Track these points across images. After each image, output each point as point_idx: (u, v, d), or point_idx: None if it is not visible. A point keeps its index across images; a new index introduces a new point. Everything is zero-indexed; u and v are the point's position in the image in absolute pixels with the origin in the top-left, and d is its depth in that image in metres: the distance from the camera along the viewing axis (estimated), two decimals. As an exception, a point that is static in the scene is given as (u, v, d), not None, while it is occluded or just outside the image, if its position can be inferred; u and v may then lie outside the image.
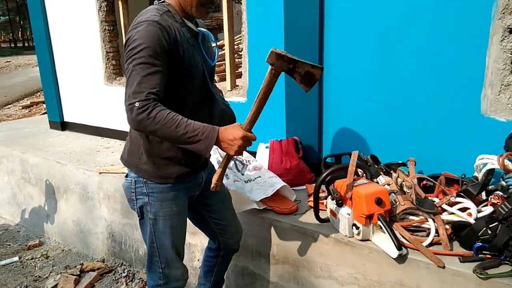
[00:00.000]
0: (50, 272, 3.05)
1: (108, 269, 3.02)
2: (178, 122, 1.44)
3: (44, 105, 5.86)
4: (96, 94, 4.04)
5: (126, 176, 1.77)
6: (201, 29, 1.69)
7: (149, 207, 1.70)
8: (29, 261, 3.23)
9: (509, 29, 1.99)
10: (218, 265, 2.09)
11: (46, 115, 4.72)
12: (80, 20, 3.95)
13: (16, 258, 3.24)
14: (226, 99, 1.94)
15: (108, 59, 3.89)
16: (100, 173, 3.03)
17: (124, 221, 2.93)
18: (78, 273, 2.94)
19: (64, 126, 4.44)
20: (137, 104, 1.44)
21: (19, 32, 33.38)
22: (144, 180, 1.69)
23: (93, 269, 3.00)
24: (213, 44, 1.80)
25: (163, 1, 1.62)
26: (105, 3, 3.74)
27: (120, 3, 3.67)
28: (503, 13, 1.97)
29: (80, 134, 4.23)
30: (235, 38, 3.76)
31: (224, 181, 2.22)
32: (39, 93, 9.21)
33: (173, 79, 1.54)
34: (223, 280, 2.21)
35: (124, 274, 2.94)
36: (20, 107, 8.36)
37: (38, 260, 3.24)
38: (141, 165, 1.68)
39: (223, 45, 3.40)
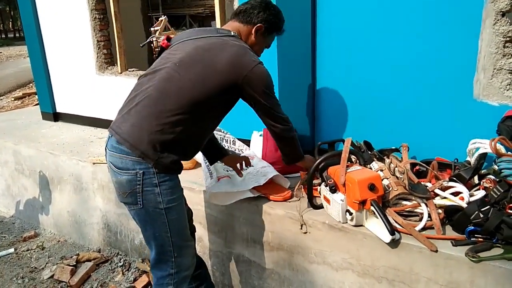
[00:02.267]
0: (46, 263, 3.05)
1: (104, 259, 3.03)
2: (297, 145, 2.07)
3: (36, 96, 5.81)
4: (88, 84, 4.00)
5: (122, 169, 1.72)
6: None
7: (161, 197, 1.72)
8: (24, 252, 3.23)
9: (501, 13, 1.98)
10: None
11: (39, 106, 4.68)
12: (70, 9, 3.89)
13: (12, 250, 3.24)
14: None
15: (99, 48, 3.84)
16: (94, 163, 3.01)
17: (119, 211, 2.93)
18: (74, 263, 2.95)
19: (56, 117, 4.40)
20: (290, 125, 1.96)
21: (10, 22, 32.92)
22: (157, 171, 1.69)
23: (89, 259, 3.00)
24: None
25: (235, 34, 1.85)
26: (95, -9, 3.68)
27: (110, -9, 3.62)
28: (496, -4, 1.96)
29: (73, 124, 4.20)
30: (227, 25, 3.72)
31: (206, 183, 2.25)
32: (31, 84, 9.11)
33: (232, 102, 1.87)
34: (200, 258, 2.22)
35: (120, 264, 2.95)
36: (12, 99, 8.28)
37: (34, 251, 3.24)
38: (162, 159, 1.69)
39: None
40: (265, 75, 1.79)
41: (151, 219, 1.77)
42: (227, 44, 1.77)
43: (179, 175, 1.84)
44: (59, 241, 3.39)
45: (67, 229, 3.40)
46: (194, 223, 2.19)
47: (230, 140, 2.60)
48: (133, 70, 3.78)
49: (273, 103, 1.86)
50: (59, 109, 4.37)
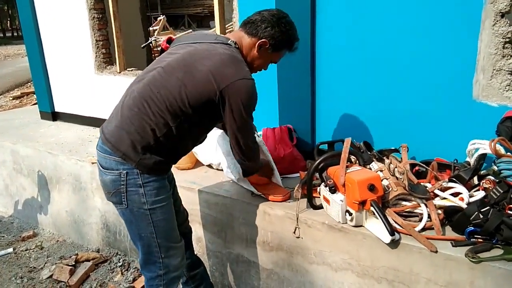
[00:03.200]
0: (45, 263, 3.05)
1: (103, 259, 3.02)
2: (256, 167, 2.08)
3: (35, 96, 5.79)
4: (86, 83, 3.99)
5: (106, 169, 1.71)
6: None
7: (145, 198, 1.71)
8: (23, 252, 3.22)
9: (501, 13, 1.98)
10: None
11: (37, 105, 4.67)
12: (68, 8, 3.88)
13: (11, 250, 3.23)
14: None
15: (98, 47, 3.83)
16: (93, 163, 3.01)
17: (118, 211, 2.93)
18: (73, 263, 2.95)
19: (55, 116, 4.39)
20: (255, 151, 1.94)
21: (8, 21, 32.81)
22: (140, 171, 1.69)
23: (88, 259, 3.00)
24: None
25: (234, 41, 1.77)
26: (94, -9, 3.67)
27: (109, -9, 3.61)
28: (495, -3, 1.96)
29: (71, 124, 4.19)
30: (226, 25, 3.72)
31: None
32: (29, 83, 9.08)
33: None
34: (198, 258, 2.24)
35: (120, 264, 2.95)
36: (11, 98, 8.25)
37: (33, 251, 3.23)
38: (144, 160, 1.68)
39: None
40: (248, 92, 1.66)
41: (136, 219, 1.77)
42: (215, 51, 1.69)
43: (169, 176, 1.86)
44: (58, 241, 3.38)
45: (66, 229, 3.40)
46: (192, 223, 2.19)
47: None
48: (131, 70, 3.77)
49: (243, 125, 1.73)
50: (58, 108, 4.36)
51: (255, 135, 2.00)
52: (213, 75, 1.63)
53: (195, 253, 2.24)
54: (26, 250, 3.25)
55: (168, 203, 1.81)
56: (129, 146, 1.67)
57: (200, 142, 1.93)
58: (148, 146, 1.68)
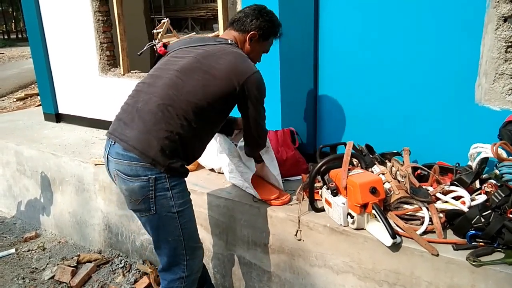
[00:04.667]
0: (47, 264, 3.05)
1: (105, 260, 3.03)
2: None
3: (39, 97, 5.82)
4: (90, 85, 4.01)
5: (133, 176, 1.70)
6: None
7: (174, 201, 1.75)
8: (25, 253, 3.23)
9: (503, 18, 1.98)
10: None
11: (41, 107, 4.69)
12: (73, 10, 3.91)
13: (13, 250, 3.24)
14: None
15: (102, 50, 3.86)
16: (96, 164, 3.02)
17: (121, 212, 2.94)
18: (75, 264, 2.95)
19: (58, 118, 4.41)
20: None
21: (12, 23, 32.99)
22: (168, 175, 1.72)
23: (90, 261, 3.01)
24: None
25: (233, 42, 1.89)
26: (99, -7, 3.70)
27: (113, -7, 3.63)
28: (498, 1, 1.97)
29: (75, 126, 4.21)
30: (230, 28, 3.73)
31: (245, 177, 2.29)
32: (33, 85, 9.12)
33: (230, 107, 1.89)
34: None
35: (121, 265, 2.95)
36: (15, 99, 8.29)
37: (35, 252, 3.25)
38: (172, 164, 1.71)
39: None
40: (262, 83, 1.84)
41: (163, 224, 1.78)
42: (225, 51, 1.81)
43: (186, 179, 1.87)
44: (60, 242, 3.39)
45: (68, 230, 3.41)
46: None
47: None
48: (135, 72, 3.80)
49: (261, 111, 1.91)
50: (62, 110, 4.39)
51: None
52: (232, 72, 1.75)
53: None
54: (28, 251, 3.26)
55: (191, 205, 1.87)
56: (158, 151, 1.67)
57: (208, 142, 1.98)
58: (176, 150, 1.72)
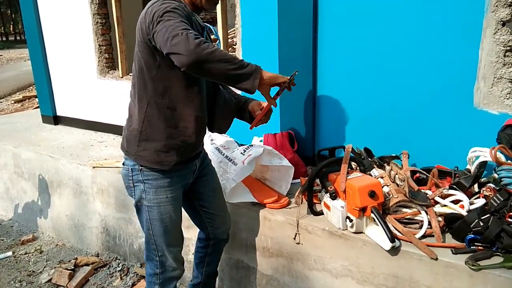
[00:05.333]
0: (44, 267, 3.04)
1: (102, 263, 3.02)
2: (232, 56, 1.44)
3: (37, 99, 5.81)
4: (89, 88, 4.01)
5: (123, 164, 1.80)
6: (206, 24, 1.76)
7: (145, 194, 1.75)
8: (22, 256, 3.22)
9: (502, 22, 1.99)
10: (209, 256, 2.12)
11: (39, 109, 4.68)
12: (72, 13, 3.91)
13: (10, 253, 3.22)
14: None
15: (100, 52, 3.85)
16: (94, 167, 3.01)
17: (118, 215, 2.93)
18: (72, 267, 2.94)
19: (57, 120, 4.40)
20: (191, 33, 1.38)
21: (11, 25, 32.99)
22: (140, 168, 1.72)
23: (87, 264, 2.99)
24: (215, 38, 1.85)
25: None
26: (97, -4, 3.70)
27: (112, -4, 3.64)
28: (496, 5, 1.98)
29: (73, 128, 4.20)
30: (228, 31, 3.74)
31: (230, 172, 2.22)
32: (31, 87, 9.10)
33: None
34: (216, 272, 2.22)
35: (119, 268, 2.94)
36: (12, 101, 8.27)
37: (32, 255, 3.23)
38: (140, 152, 1.71)
39: (217, 39, 3.38)
40: (167, 3, 1.50)
41: (139, 214, 1.83)
42: None
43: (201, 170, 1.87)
44: (57, 244, 3.38)
45: (66, 233, 3.39)
46: (192, 229, 2.19)
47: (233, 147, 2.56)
48: (134, 75, 3.79)
49: (167, 24, 1.42)
50: (60, 112, 4.38)
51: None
52: (140, 18, 1.57)
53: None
54: (25, 253, 3.24)
55: (168, 205, 1.76)
56: (123, 139, 1.77)
57: (204, 113, 1.76)
58: (138, 134, 1.70)
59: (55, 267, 2.98)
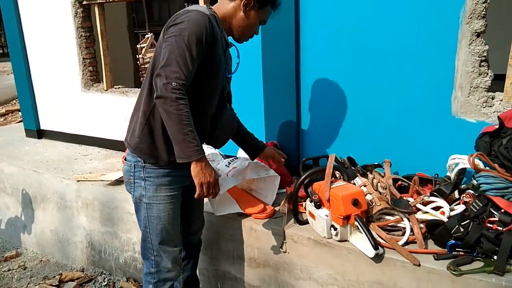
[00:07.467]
0: (28, 284, 2.98)
1: (88, 278, 2.97)
2: (189, 123, 1.55)
3: (20, 113, 5.74)
4: (73, 101, 3.98)
5: (125, 159, 1.83)
6: (233, 42, 1.84)
7: (145, 192, 1.76)
8: (6, 272, 3.15)
9: (476, 33, 2.06)
10: (182, 260, 2.10)
11: (22, 123, 4.62)
12: (55, 26, 3.89)
13: (-8, 270, 3.16)
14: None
15: (85, 65, 3.84)
16: (78, 181, 2.98)
17: (104, 229, 2.90)
18: (57, 283, 2.89)
19: (40, 134, 4.35)
20: (174, 84, 1.52)
21: (-7, 38, 32.55)
22: (143, 164, 1.74)
23: (72, 279, 2.95)
24: (234, 56, 1.93)
25: (210, 7, 1.73)
26: (81, 9, 3.70)
27: (96, 9, 3.64)
28: (471, 17, 2.05)
29: (57, 142, 4.16)
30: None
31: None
32: (14, 101, 9.00)
33: (201, 74, 1.65)
34: (197, 277, 2.22)
35: (105, 283, 2.90)
36: (-5, 116, 8.15)
37: (16, 271, 3.17)
38: (139, 144, 1.72)
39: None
40: (192, 18, 1.56)
41: (137, 211, 1.84)
42: None
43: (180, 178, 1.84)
44: (41, 260, 3.32)
45: (50, 248, 3.34)
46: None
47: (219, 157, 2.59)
48: (119, 87, 3.79)
49: (181, 47, 1.53)
50: (43, 126, 4.33)
51: None
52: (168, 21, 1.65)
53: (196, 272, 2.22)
54: (8, 270, 3.18)
55: (168, 203, 1.79)
56: (127, 132, 1.81)
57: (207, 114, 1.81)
58: (143, 127, 1.72)
59: (39, 284, 2.93)
